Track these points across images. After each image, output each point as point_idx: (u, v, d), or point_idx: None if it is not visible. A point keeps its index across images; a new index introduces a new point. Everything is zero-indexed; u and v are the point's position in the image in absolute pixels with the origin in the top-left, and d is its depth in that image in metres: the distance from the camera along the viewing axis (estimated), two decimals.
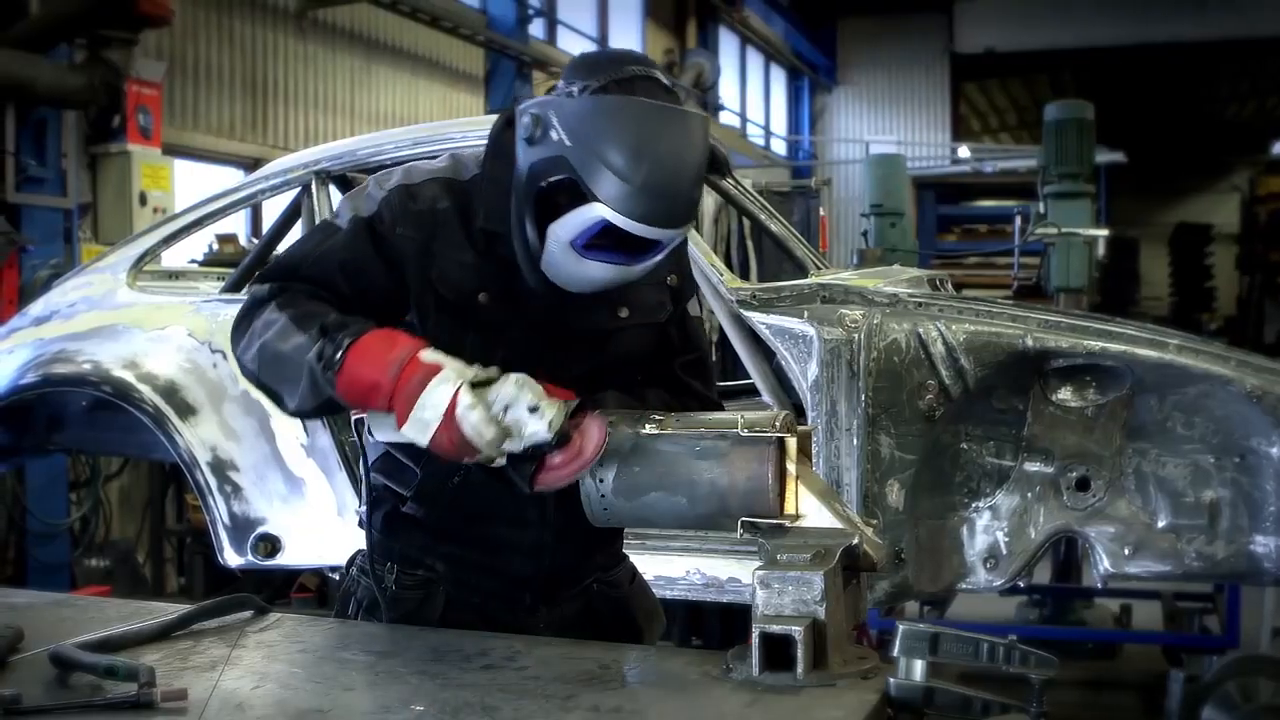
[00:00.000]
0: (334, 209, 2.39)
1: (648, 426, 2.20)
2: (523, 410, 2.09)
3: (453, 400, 2.07)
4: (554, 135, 2.15)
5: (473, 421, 2.06)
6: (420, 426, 2.09)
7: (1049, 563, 7.07)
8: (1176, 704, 4.50)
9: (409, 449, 2.27)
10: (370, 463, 2.45)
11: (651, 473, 2.18)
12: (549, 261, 2.22)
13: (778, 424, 2.14)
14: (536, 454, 2.16)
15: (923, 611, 6.83)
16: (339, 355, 2.13)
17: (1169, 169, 28.42)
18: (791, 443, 2.15)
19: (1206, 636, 6.36)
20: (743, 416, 2.17)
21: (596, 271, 2.20)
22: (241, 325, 2.29)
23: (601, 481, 2.20)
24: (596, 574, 2.52)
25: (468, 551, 2.42)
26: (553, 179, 2.15)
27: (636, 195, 2.10)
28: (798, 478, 2.15)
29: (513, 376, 2.12)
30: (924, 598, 4.46)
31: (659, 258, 2.24)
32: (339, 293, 2.28)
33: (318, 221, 2.39)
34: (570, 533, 2.37)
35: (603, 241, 2.17)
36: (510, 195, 2.27)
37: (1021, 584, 4.06)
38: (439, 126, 4.69)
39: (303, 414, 2.30)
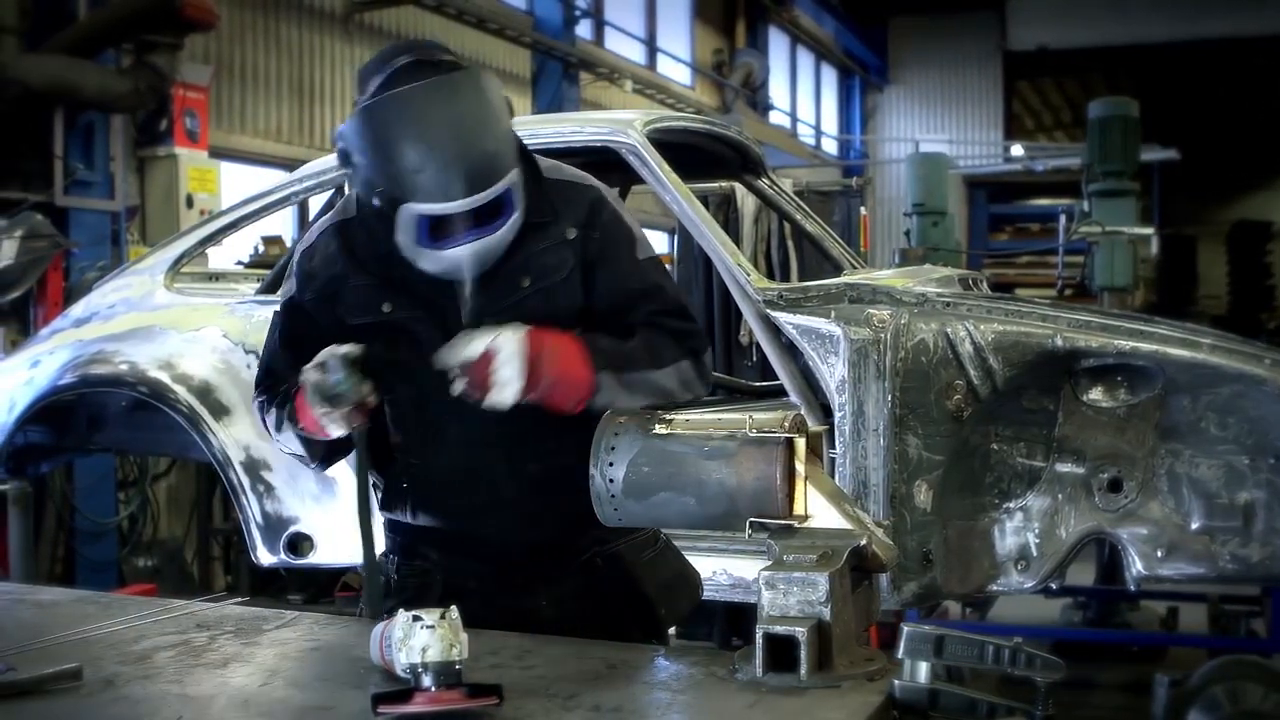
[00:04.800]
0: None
1: (657, 427, 2.21)
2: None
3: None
4: (355, 159, 2.35)
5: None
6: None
7: (1093, 565, 6.99)
8: (1162, 708, 4.42)
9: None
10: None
11: (660, 473, 2.18)
12: (426, 266, 2.35)
13: (786, 424, 2.14)
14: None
15: (964, 613, 6.79)
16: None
17: (1228, 166, 28.02)
18: (800, 443, 2.14)
19: (1252, 639, 6.28)
20: (751, 417, 2.17)
21: (460, 255, 2.32)
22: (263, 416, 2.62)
23: (612, 482, 2.21)
24: (594, 548, 2.52)
25: (453, 539, 2.49)
26: (373, 197, 2.33)
27: (427, 181, 2.25)
28: (806, 478, 2.14)
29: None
30: (953, 599, 4.43)
31: (512, 219, 2.33)
32: (301, 367, 2.47)
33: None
34: (550, 506, 2.41)
35: (442, 230, 2.30)
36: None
37: (1054, 585, 4.01)
38: None
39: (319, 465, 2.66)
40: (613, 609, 2.44)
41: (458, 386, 2.27)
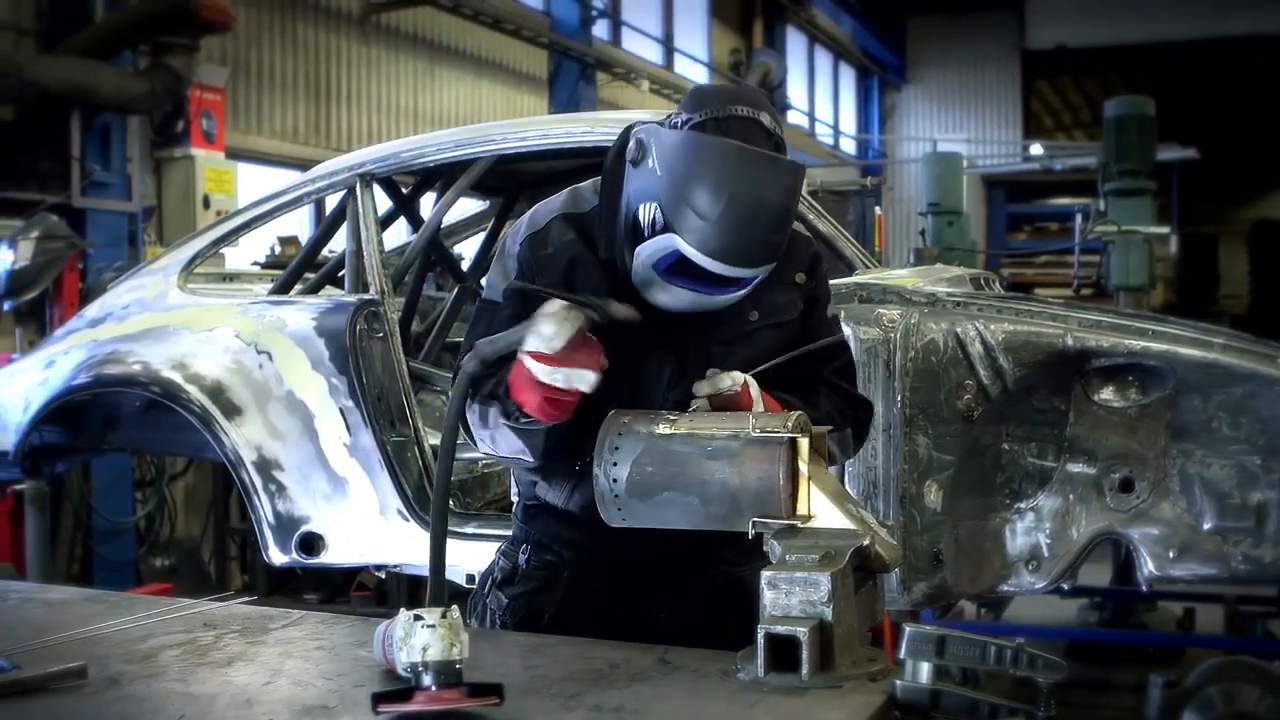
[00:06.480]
0: (486, 281, 2.63)
1: (661, 426, 2.21)
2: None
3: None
4: (650, 162, 2.32)
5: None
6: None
7: (1109, 565, 6.96)
8: (1156, 709, 4.40)
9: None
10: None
11: (664, 473, 2.19)
12: (636, 277, 2.37)
13: (789, 425, 2.14)
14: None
15: (979, 613, 6.77)
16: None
17: (1249, 165, 27.86)
18: (804, 443, 2.14)
19: (1269, 640, 6.25)
20: (754, 417, 2.17)
21: (673, 297, 2.37)
22: (464, 420, 2.46)
23: (615, 482, 2.21)
24: (721, 567, 2.53)
25: (589, 539, 2.48)
26: (644, 204, 2.31)
27: (710, 232, 2.24)
28: (810, 478, 2.14)
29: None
30: (964, 599, 4.41)
31: (741, 293, 2.36)
32: None
33: (478, 303, 2.63)
34: None
35: (682, 270, 2.30)
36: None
37: (1065, 585, 3.99)
38: (482, 128, 4.69)
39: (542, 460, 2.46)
40: (727, 633, 2.42)
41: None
